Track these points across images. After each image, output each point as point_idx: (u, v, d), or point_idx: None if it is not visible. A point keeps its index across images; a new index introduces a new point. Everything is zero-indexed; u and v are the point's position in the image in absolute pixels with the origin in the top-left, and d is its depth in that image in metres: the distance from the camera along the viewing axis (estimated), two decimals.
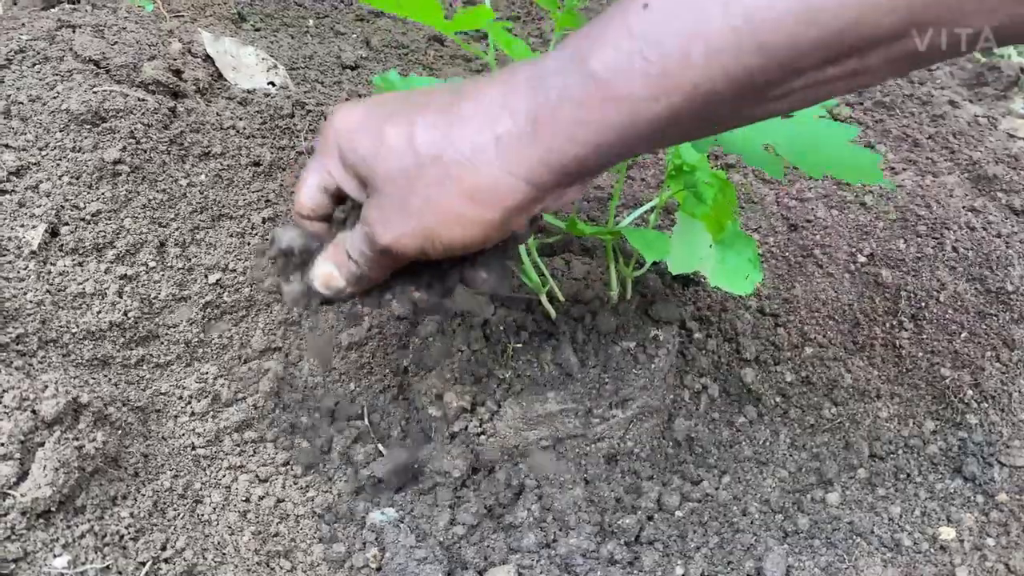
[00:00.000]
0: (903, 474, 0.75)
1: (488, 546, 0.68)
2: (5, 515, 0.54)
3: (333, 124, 0.50)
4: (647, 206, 0.79)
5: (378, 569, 0.65)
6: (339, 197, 0.53)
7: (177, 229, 0.79)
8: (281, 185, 0.88)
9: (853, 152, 0.63)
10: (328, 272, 0.53)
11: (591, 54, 0.43)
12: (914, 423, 0.79)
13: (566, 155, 0.44)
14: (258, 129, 0.91)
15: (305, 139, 0.93)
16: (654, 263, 0.77)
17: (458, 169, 0.46)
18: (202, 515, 0.65)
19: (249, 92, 0.94)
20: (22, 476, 0.55)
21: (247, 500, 0.67)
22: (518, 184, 0.46)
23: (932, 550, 0.68)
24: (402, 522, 0.69)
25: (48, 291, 0.69)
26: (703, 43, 0.41)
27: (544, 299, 0.74)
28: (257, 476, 0.69)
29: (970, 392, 0.80)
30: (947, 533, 0.70)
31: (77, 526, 0.57)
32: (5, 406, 0.57)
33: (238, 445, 0.71)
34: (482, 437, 0.74)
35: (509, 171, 0.45)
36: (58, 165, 0.76)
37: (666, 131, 0.43)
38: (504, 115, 0.45)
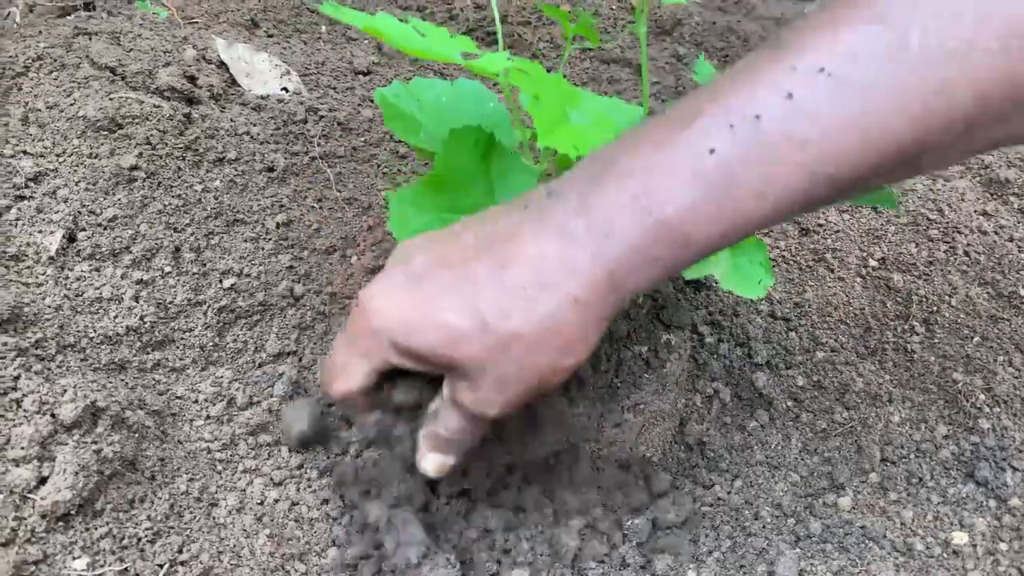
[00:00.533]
0: (915, 478, 0.75)
1: (501, 549, 0.68)
2: (26, 518, 0.54)
3: (376, 315, 0.49)
4: None
5: (392, 572, 0.66)
6: (385, 374, 0.54)
7: (192, 234, 0.79)
8: (295, 191, 0.89)
9: None
10: (440, 462, 0.55)
11: (657, 201, 0.43)
12: (926, 427, 0.79)
13: (639, 287, 0.46)
14: (272, 135, 0.91)
15: (318, 145, 0.93)
16: None
17: (544, 336, 0.46)
18: (217, 518, 0.65)
19: (263, 98, 0.95)
20: (42, 480, 0.56)
21: (262, 503, 0.68)
22: (601, 322, 0.47)
23: (945, 555, 0.68)
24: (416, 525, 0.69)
25: (66, 296, 0.70)
26: (776, 186, 0.42)
27: None
28: (271, 480, 0.70)
29: (982, 396, 0.80)
30: (960, 538, 0.70)
31: (96, 529, 0.57)
32: (25, 410, 0.58)
33: (253, 449, 0.71)
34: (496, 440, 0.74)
35: (592, 320, 0.47)
36: (75, 171, 0.77)
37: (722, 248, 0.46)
38: (573, 277, 0.45)
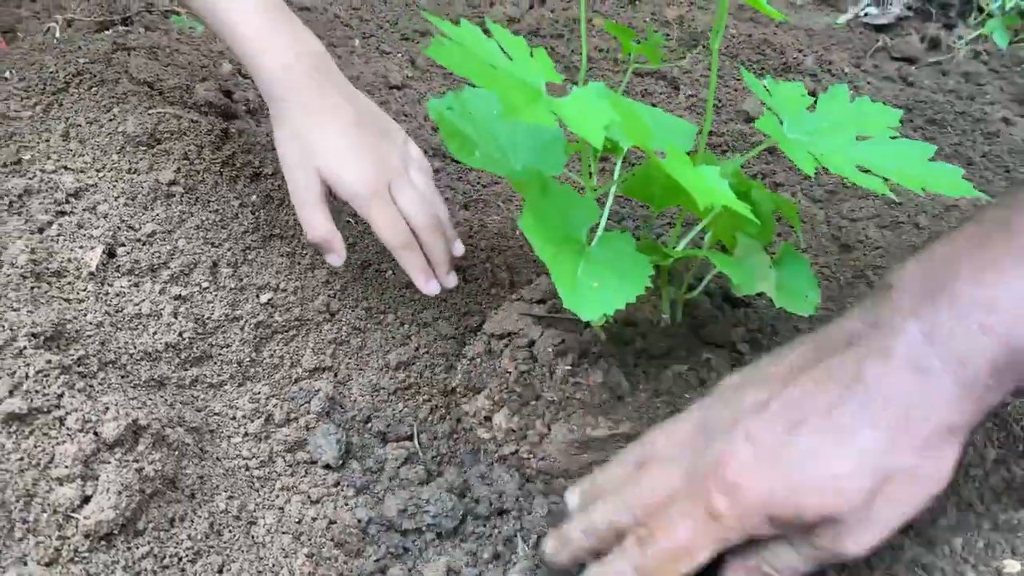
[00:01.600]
0: (964, 504, 0.73)
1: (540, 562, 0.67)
2: (69, 537, 0.54)
3: (750, 493, 0.49)
4: (699, 226, 0.78)
5: None
6: None
7: (229, 249, 0.79)
8: (331, 206, 0.88)
9: (939, 167, 0.62)
10: None
11: (1012, 330, 0.45)
12: (975, 452, 0.77)
13: (996, 402, 0.48)
14: None
15: None
16: (703, 283, 0.76)
17: (926, 468, 0.48)
18: (256, 537, 0.65)
19: None
20: (85, 499, 0.56)
21: (300, 522, 0.67)
22: (964, 443, 0.49)
23: None
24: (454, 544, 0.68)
25: (107, 312, 0.70)
26: None
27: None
28: (309, 497, 0.69)
29: None
30: (1012, 566, 0.68)
31: (137, 548, 0.57)
32: (68, 428, 0.57)
33: (290, 466, 0.71)
34: (532, 460, 0.73)
35: (960, 444, 0.49)
36: (115, 186, 0.77)
37: None
38: (944, 406, 0.47)
